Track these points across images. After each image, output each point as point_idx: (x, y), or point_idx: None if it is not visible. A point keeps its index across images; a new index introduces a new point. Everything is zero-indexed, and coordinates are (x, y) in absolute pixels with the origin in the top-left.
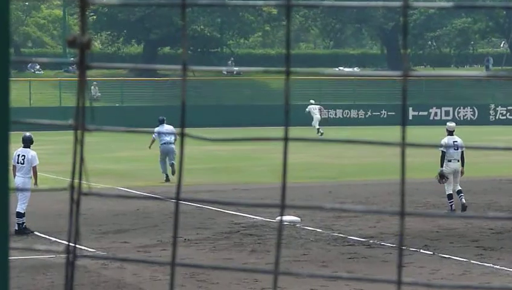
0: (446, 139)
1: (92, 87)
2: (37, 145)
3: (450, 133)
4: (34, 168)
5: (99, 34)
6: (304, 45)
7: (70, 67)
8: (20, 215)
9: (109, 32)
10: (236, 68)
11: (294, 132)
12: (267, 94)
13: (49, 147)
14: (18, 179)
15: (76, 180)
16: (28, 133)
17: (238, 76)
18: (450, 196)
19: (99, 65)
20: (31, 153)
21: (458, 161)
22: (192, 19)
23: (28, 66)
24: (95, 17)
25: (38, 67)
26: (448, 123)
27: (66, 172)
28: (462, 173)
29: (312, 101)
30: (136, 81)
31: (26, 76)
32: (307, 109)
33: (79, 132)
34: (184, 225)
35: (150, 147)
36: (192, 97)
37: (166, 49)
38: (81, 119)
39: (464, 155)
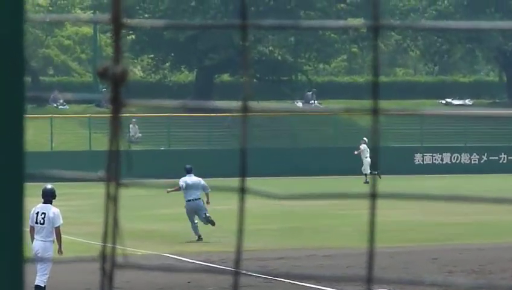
0: None
1: (131, 125)
2: (61, 200)
3: None
4: (57, 230)
5: (139, 59)
6: (401, 71)
7: (103, 101)
8: (39, 289)
9: (152, 56)
10: (309, 102)
11: (387, 182)
12: (354, 134)
13: (76, 203)
14: (37, 244)
15: (108, 247)
16: (49, 186)
17: (317, 111)
18: None
19: (138, 102)
20: (52, 210)
21: None
22: (259, 37)
23: (50, 99)
24: (133, 36)
25: (62, 100)
26: None
27: (97, 234)
28: None
29: (365, 139)
30: (186, 118)
31: (46, 112)
32: (355, 152)
33: (111, 185)
34: None
35: (167, 192)
36: (258, 138)
37: (225, 76)
38: (114, 170)
39: None
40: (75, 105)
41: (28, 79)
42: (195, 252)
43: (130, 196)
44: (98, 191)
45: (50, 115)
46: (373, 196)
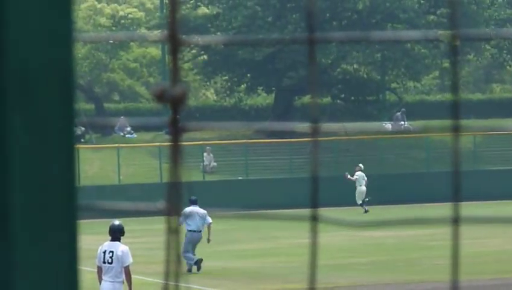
0: None
1: (205, 154)
2: (129, 237)
3: None
4: (127, 269)
5: (212, 81)
6: (498, 87)
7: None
8: None
9: (226, 78)
10: (398, 123)
11: (490, 208)
12: (448, 157)
13: (145, 240)
14: (105, 286)
15: (172, 285)
16: (117, 222)
17: (408, 133)
18: None
19: (199, 126)
20: (121, 248)
21: None
22: (342, 55)
23: (116, 127)
24: (205, 57)
25: (129, 129)
26: None
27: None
28: None
29: (361, 166)
30: (265, 144)
31: (113, 141)
32: (354, 176)
33: (172, 218)
34: None
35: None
36: (341, 163)
37: (306, 98)
38: (175, 201)
39: None
40: (144, 133)
41: (91, 106)
42: (279, 289)
43: (217, 230)
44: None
45: (116, 145)
46: (455, 220)
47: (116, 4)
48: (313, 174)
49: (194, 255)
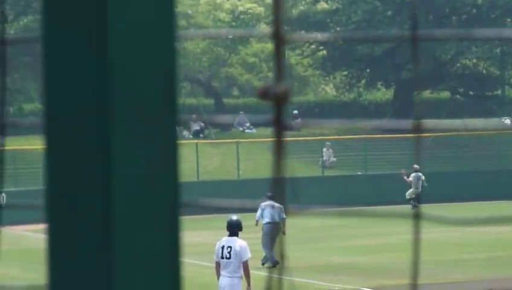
0: None
1: (325, 149)
2: (248, 232)
3: None
4: (245, 264)
5: (331, 76)
6: None
7: (293, 122)
8: None
9: (346, 73)
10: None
11: None
12: None
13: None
14: (224, 281)
15: (276, 280)
16: (234, 217)
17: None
18: None
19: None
20: (239, 243)
21: None
22: (461, 50)
23: (235, 122)
24: (324, 52)
25: (248, 124)
26: None
27: (294, 269)
28: None
29: (416, 166)
30: (384, 140)
31: (232, 136)
32: (410, 178)
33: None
34: None
35: (256, 224)
36: (458, 159)
37: (426, 93)
38: (279, 197)
39: None
40: (263, 128)
41: (210, 101)
42: (397, 285)
43: (321, 226)
44: (293, 222)
45: (236, 140)
46: None
47: None
48: (416, 168)
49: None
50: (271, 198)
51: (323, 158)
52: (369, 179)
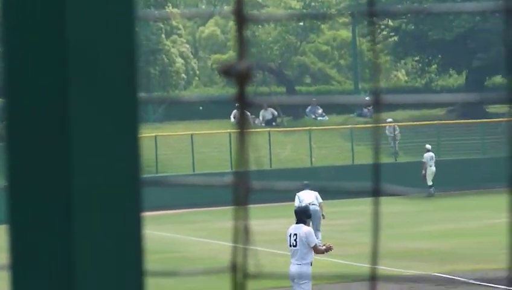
0: None
1: (388, 131)
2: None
3: None
4: (315, 249)
5: (402, 62)
6: None
7: (366, 110)
8: None
9: (417, 58)
10: None
11: None
12: None
13: (339, 222)
14: (293, 268)
15: (240, 258)
16: (303, 204)
17: None
18: None
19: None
20: (303, 229)
21: None
22: None
23: (307, 109)
24: (395, 38)
25: (321, 111)
26: None
27: (361, 256)
28: None
29: (428, 147)
30: (457, 125)
31: (304, 124)
32: (423, 159)
33: (241, 190)
34: None
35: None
36: None
37: (497, 78)
38: (243, 173)
39: None
40: (335, 116)
41: (282, 89)
42: (469, 270)
43: (393, 212)
44: (364, 207)
45: (308, 128)
46: None
47: None
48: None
49: (317, 231)
50: (307, 186)
51: (395, 138)
52: (441, 164)
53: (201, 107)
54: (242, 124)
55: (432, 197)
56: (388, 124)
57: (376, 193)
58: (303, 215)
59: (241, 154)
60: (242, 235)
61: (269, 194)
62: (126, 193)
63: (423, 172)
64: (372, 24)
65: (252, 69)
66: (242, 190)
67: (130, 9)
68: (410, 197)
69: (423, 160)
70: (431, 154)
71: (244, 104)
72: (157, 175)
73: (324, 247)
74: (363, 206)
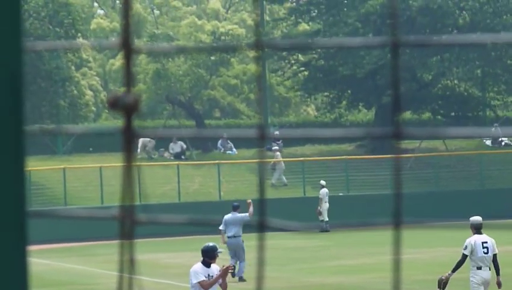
0: (473, 240)
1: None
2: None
3: (478, 230)
4: (202, 285)
5: (312, 97)
6: None
7: (274, 144)
8: None
9: (327, 94)
10: (497, 140)
11: None
12: None
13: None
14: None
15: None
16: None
17: (508, 148)
18: None
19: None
20: (192, 268)
21: (489, 268)
22: (442, 70)
23: (218, 143)
24: (306, 73)
25: (230, 145)
26: (472, 218)
27: None
28: (499, 284)
29: (323, 183)
30: (364, 160)
31: (213, 158)
32: (319, 195)
33: (127, 223)
34: None
35: (224, 242)
36: (442, 179)
37: (407, 114)
38: (129, 208)
39: (498, 261)
40: (244, 149)
41: (192, 123)
42: None
43: (303, 247)
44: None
45: (217, 161)
46: None
47: (216, 21)
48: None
49: (240, 262)
50: (236, 208)
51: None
52: (350, 199)
53: (91, 148)
54: (128, 156)
55: (327, 232)
56: (295, 159)
57: (261, 227)
58: (204, 254)
59: (126, 188)
60: (128, 267)
61: (184, 227)
62: (10, 225)
63: (318, 208)
64: (259, 59)
65: (139, 102)
66: (127, 222)
67: (17, 30)
68: (304, 232)
69: (319, 196)
70: (326, 190)
71: (131, 136)
72: (66, 207)
73: (216, 277)
74: (275, 240)
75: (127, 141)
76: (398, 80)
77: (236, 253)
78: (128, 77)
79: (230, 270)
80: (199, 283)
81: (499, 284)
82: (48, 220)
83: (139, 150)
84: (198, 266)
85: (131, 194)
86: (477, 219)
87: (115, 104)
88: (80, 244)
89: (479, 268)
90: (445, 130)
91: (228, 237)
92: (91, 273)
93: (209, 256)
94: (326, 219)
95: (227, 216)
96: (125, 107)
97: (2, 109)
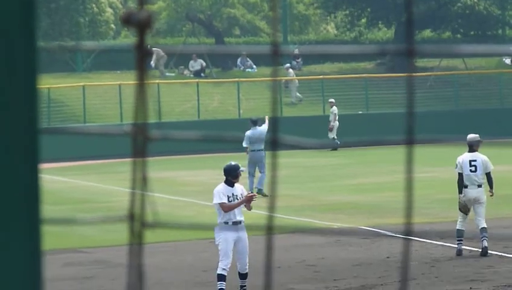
0: (461, 158)
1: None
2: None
3: (470, 148)
4: (223, 207)
5: (332, 16)
6: None
7: (295, 62)
8: None
9: (347, 12)
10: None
11: None
12: None
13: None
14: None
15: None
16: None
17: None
18: (458, 233)
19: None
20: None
21: (480, 186)
22: None
23: (238, 61)
24: None
25: (249, 63)
26: (468, 135)
27: (287, 208)
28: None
29: (332, 100)
30: (385, 79)
31: (233, 75)
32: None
33: (139, 140)
34: (454, 276)
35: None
36: (461, 98)
37: (427, 32)
38: (141, 123)
39: (492, 177)
40: (264, 67)
41: (211, 40)
42: (393, 224)
43: (322, 165)
44: (289, 161)
45: (237, 79)
46: None
47: None
48: (408, 109)
49: (262, 172)
50: (255, 123)
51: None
52: (370, 117)
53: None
54: (141, 73)
55: (337, 150)
56: (314, 76)
57: (274, 145)
58: (227, 174)
59: (140, 104)
60: (140, 185)
61: (204, 145)
62: (21, 141)
63: (332, 124)
64: None
65: (152, 18)
66: (140, 139)
67: None
68: (318, 149)
69: (335, 112)
70: (336, 108)
71: (144, 53)
72: (85, 125)
73: (237, 201)
74: (294, 159)
75: (140, 58)
76: None
77: (258, 165)
78: None
79: (254, 199)
80: (220, 204)
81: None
82: (66, 137)
83: (153, 65)
84: (222, 186)
85: (145, 110)
86: (470, 136)
87: (127, 20)
88: (97, 162)
89: (466, 187)
90: (459, 47)
91: (251, 151)
92: (107, 190)
93: (232, 175)
94: (335, 136)
95: (248, 132)
96: (138, 24)
97: (11, 23)
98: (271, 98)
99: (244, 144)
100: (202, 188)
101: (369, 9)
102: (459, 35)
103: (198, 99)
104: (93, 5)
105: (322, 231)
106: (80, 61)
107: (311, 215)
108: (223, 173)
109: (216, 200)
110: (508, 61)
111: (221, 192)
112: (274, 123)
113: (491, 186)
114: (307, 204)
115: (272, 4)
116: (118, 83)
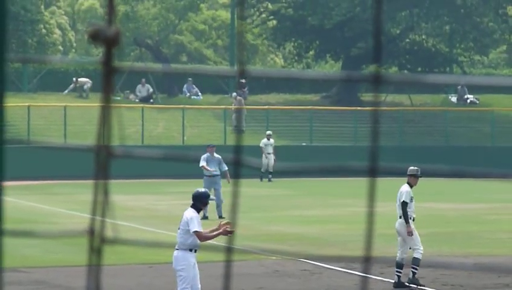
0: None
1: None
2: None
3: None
4: (199, 236)
5: (281, 47)
6: None
7: (239, 91)
8: None
9: (295, 44)
10: (462, 97)
11: None
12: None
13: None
14: (174, 253)
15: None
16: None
17: (473, 106)
18: (397, 265)
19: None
20: (187, 213)
21: (401, 217)
22: (411, 25)
23: (184, 87)
24: (274, 21)
25: (195, 90)
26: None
27: (237, 237)
28: (408, 233)
29: (269, 132)
30: (330, 111)
31: (178, 102)
32: (261, 144)
33: (102, 156)
34: None
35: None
36: (406, 134)
37: (373, 67)
38: (105, 141)
39: (404, 209)
40: (209, 95)
41: (158, 66)
42: (336, 256)
43: (268, 195)
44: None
45: (182, 106)
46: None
47: None
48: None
49: (217, 199)
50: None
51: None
52: (313, 150)
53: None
54: (107, 89)
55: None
56: (259, 107)
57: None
58: (197, 200)
59: (103, 121)
60: (101, 204)
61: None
62: None
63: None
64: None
65: (120, 35)
66: (103, 154)
67: None
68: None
69: (262, 145)
70: (269, 140)
71: (110, 69)
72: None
73: (214, 233)
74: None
75: (106, 74)
76: (380, 21)
77: (214, 190)
78: (111, 10)
79: (229, 235)
80: (197, 233)
81: (409, 233)
82: (9, 156)
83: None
84: (195, 213)
85: (109, 127)
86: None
87: (95, 37)
88: (40, 183)
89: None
90: (425, 77)
91: (207, 176)
92: (49, 211)
93: (202, 202)
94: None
95: (206, 155)
96: (106, 40)
97: None
98: (234, 125)
99: (202, 163)
100: (142, 213)
101: (317, 42)
102: (406, 71)
103: (142, 124)
104: (41, 26)
105: (261, 261)
106: (26, 81)
107: (252, 246)
108: (190, 199)
109: (197, 228)
110: (453, 99)
111: (199, 219)
112: (236, 150)
113: (406, 220)
114: (245, 234)
115: (238, 29)
116: (64, 104)
